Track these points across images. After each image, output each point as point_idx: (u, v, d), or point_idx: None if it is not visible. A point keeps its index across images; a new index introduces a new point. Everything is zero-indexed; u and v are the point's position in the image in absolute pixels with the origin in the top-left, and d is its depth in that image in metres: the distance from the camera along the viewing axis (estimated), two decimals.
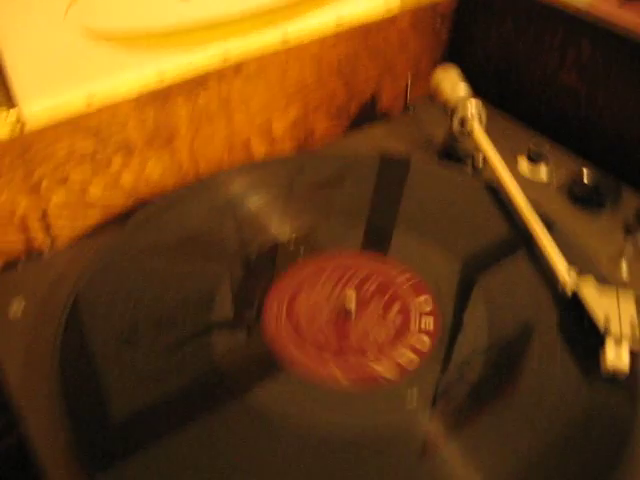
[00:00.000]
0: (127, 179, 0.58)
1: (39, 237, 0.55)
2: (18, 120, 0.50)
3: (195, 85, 0.57)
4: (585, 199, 0.57)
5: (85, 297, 0.46)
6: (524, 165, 0.61)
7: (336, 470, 0.37)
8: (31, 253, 0.53)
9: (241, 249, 0.50)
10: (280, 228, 0.52)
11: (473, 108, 0.59)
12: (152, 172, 0.59)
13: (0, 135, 0.50)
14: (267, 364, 0.42)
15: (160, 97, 0.56)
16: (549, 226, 0.51)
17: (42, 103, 0.52)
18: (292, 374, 0.41)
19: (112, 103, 0.53)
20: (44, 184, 0.54)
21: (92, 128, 0.54)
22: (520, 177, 0.59)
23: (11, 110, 0.50)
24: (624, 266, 0.51)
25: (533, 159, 0.61)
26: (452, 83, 0.61)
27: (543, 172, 0.60)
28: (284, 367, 0.42)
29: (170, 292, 0.46)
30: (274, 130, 0.65)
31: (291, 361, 0.42)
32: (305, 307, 0.45)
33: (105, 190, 0.57)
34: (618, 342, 0.41)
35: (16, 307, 0.47)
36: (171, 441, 0.38)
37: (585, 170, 0.59)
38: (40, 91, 0.51)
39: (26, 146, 0.51)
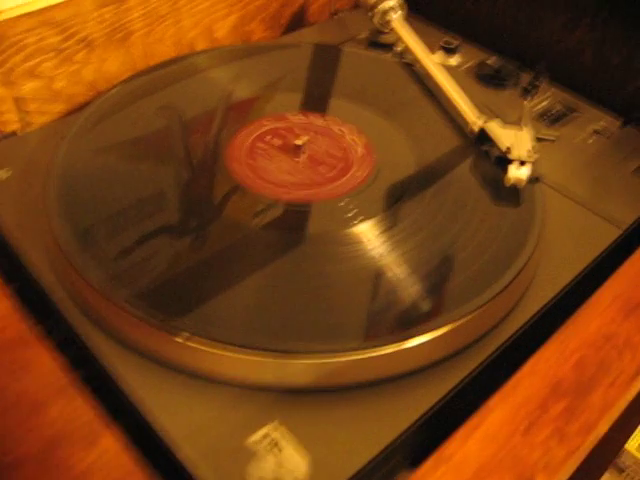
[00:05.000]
0: (88, 73, 0.64)
1: (13, 121, 0.61)
2: None
3: None
4: (489, 79, 0.67)
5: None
6: (439, 56, 0.70)
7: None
8: (6, 135, 0.59)
9: (202, 115, 0.58)
10: (235, 98, 0.60)
11: (392, 1, 0.67)
12: (110, 68, 0.66)
13: None
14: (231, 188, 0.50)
15: None
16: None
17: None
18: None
19: None
20: (15, 75, 0.60)
21: (58, 22, 0.60)
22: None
23: None
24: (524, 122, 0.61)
25: (447, 51, 0.71)
26: None
27: (455, 60, 0.70)
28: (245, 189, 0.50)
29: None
30: (216, 31, 0.72)
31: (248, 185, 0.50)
32: (260, 150, 0.54)
33: (69, 82, 0.63)
34: (517, 164, 0.51)
35: (3, 173, 0.54)
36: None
37: (490, 57, 0.69)
38: None
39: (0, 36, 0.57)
